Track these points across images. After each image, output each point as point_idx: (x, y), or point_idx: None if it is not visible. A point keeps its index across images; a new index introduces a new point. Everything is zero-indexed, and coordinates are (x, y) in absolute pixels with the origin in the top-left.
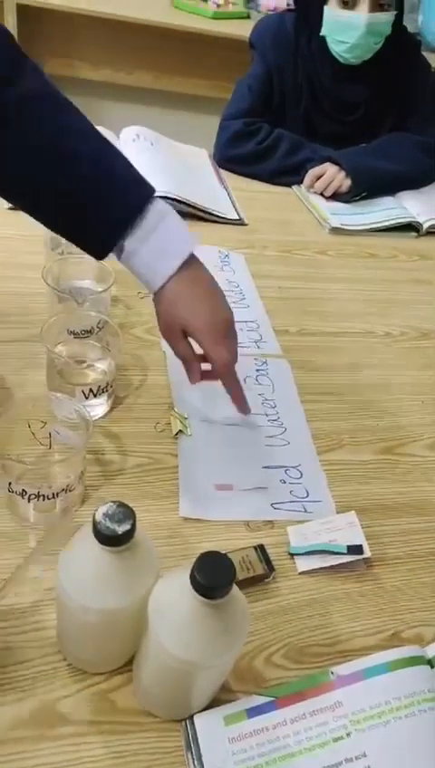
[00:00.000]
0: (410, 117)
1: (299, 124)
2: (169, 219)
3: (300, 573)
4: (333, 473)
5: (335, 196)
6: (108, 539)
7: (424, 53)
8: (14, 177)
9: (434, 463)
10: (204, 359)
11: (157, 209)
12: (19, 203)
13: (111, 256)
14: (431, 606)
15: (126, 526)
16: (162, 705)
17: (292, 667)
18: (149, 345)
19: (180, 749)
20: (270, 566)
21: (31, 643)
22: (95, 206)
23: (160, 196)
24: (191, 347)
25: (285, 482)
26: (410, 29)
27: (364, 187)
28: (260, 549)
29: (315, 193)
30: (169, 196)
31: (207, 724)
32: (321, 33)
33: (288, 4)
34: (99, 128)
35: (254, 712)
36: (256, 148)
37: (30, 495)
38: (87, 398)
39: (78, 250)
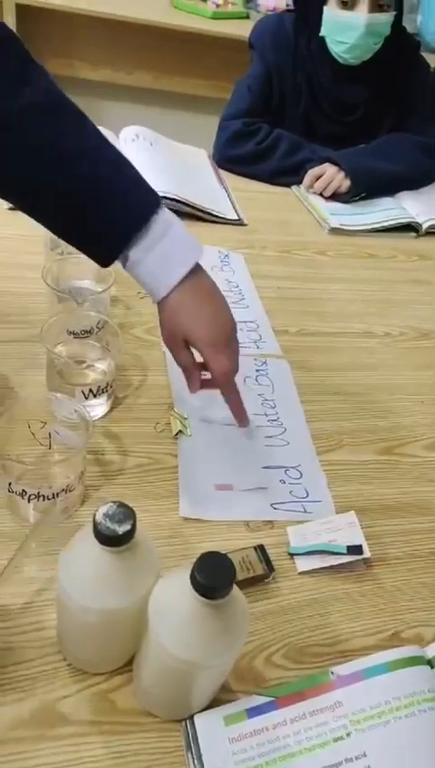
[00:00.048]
0: (409, 117)
1: (298, 124)
2: (174, 229)
3: (300, 573)
4: (332, 473)
5: (335, 197)
6: (108, 539)
7: (423, 54)
8: (18, 182)
9: (434, 463)
10: (204, 367)
11: (162, 219)
12: (24, 209)
13: (116, 263)
14: (431, 606)
15: (126, 526)
16: (162, 705)
17: (292, 667)
18: (149, 345)
19: (181, 749)
20: (270, 566)
21: (31, 643)
22: (100, 216)
23: (160, 197)
24: (192, 356)
25: (284, 482)
26: (409, 29)
27: (363, 188)
28: (260, 549)
29: (315, 193)
30: (168, 196)
31: (208, 725)
32: (320, 34)
33: (287, 5)
34: (99, 128)
35: (254, 712)
36: (256, 149)
37: (30, 496)
38: (87, 398)
39: (78, 250)
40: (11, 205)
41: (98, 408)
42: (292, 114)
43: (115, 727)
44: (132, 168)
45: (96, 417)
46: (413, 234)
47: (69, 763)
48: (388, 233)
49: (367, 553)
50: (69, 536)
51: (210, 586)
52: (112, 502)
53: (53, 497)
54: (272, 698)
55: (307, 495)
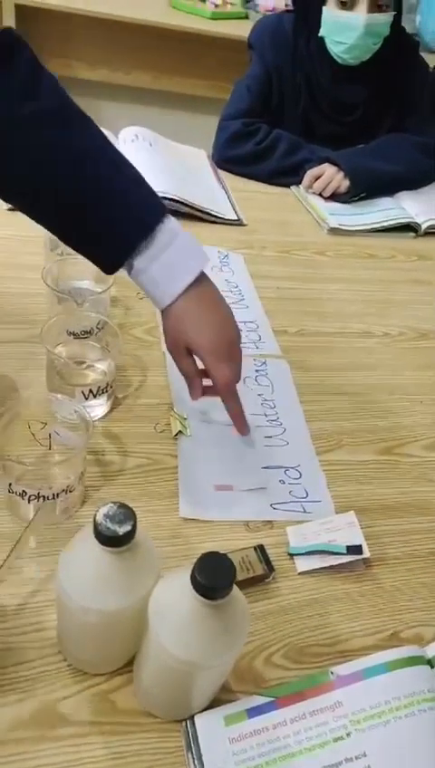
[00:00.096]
0: (408, 117)
1: (297, 125)
2: (180, 238)
3: (299, 573)
4: (332, 473)
5: (334, 197)
6: (109, 540)
7: (422, 54)
8: (23, 187)
9: (433, 463)
10: (206, 374)
11: (168, 228)
12: (28, 214)
13: (121, 270)
14: (430, 606)
15: (127, 527)
16: (163, 705)
17: (292, 667)
18: (149, 346)
19: (181, 749)
20: (270, 566)
21: (31, 644)
22: (107, 223)
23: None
24: (195, 364)
25: (284, 482)
26: (408, 29)
27: (363, 188)
28: (260, 549)
29: (314, 193)
30: (167, 196)
31: (208, 725)
32: (319, 34)
33: (286, 5)
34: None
35: (254, 712)
36: (255, 149)
37: (30, 496)
38: (87, 398)
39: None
40: (10, 205)
41: (98, 408)
42: (291, 114)
43: (115, 728)
44: (137, 173)
45: (96, 418)
46: (412, 234)
47: (69, 764)
48: (387, 233)
49: (367, 553)
50: (69, 537)
51: (211, 586)
52: (113, 502)
53: (54, 498)
54: (272, 698)
55: (307, 495)
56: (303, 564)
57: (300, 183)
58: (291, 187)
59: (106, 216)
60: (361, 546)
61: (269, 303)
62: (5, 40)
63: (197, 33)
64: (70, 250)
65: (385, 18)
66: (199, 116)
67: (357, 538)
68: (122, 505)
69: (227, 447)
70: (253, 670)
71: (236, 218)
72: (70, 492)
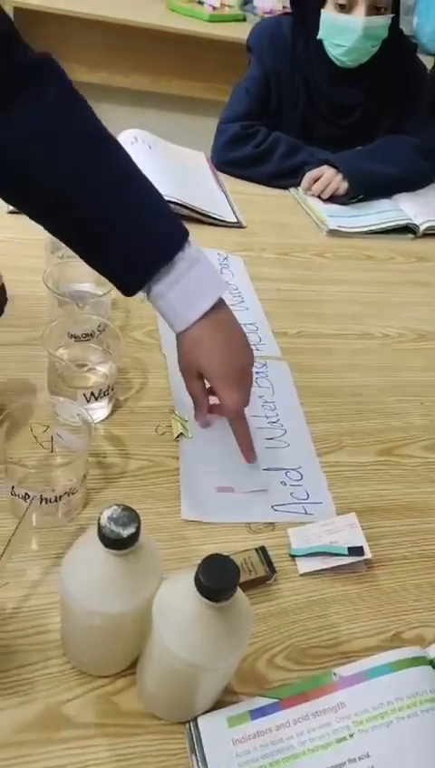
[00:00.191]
0: (406, 120)
1: (296, 127)
2: (198, 266)
3: (301, 575)
4: (333, 474)
5: (332, 199)
6: (113, 542)
7: (419, 56)
8: (41, 202)
9: (434, 464)
10: (213, 392)
11: (188, 256)
12: (48, 229)
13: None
14: (432, 607)
15: (131, 529)
16: (166, 707)
17: (294, 668)
18: (150, 348)
19: (185, 751)
20: (272, 568)
21: (35, 646)
22: (128, 249)
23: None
24: (204, 387)
25: (285, 484)
26: (405, 31)
27: (361, 190)
28: (262, 551)
29: (313, 195)
30: (167, 198)
31: (211, 726)
32: (318, 37)
33: (284, 7)
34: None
35: (257, 713)
36: (254, 152)
37: (33, 499)
38: (88, 401)
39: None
40: (11, 208)
41: (99, 411)
42: (289, 117)
43: (119, 730)
44: (161, 197)
45: (98, 420)
46: (411, 235)
47: (74, 766)
48: (386, 234)
49: (368, 555)
50: (71, 539)
51: (215, 588)
52: (117, 505)
53: (56, 500)
54: (275, 700)
55: (308, 497)
56: (304, 566)
57: (299, 185)
58: (290, 190)
59: (129, 241)
60: (362, 547)
61: (269, 305)
62: (42, 66)
63: (195, 36)
64: (71, 253)
65: (383, 21)
66: (198, 118)
67: (358, 539)
68: (126, 508)
69: (228, 449)
70: (256, 672)
71: (235, 221)
72: (72, 494)
